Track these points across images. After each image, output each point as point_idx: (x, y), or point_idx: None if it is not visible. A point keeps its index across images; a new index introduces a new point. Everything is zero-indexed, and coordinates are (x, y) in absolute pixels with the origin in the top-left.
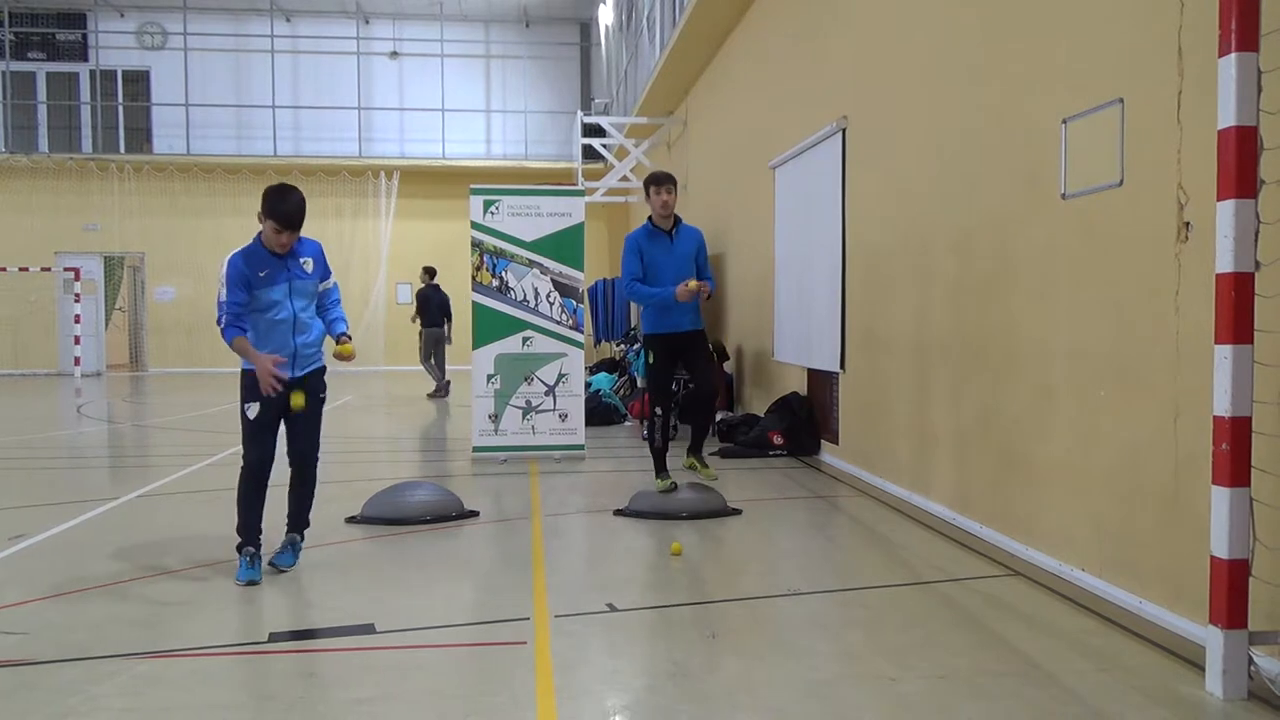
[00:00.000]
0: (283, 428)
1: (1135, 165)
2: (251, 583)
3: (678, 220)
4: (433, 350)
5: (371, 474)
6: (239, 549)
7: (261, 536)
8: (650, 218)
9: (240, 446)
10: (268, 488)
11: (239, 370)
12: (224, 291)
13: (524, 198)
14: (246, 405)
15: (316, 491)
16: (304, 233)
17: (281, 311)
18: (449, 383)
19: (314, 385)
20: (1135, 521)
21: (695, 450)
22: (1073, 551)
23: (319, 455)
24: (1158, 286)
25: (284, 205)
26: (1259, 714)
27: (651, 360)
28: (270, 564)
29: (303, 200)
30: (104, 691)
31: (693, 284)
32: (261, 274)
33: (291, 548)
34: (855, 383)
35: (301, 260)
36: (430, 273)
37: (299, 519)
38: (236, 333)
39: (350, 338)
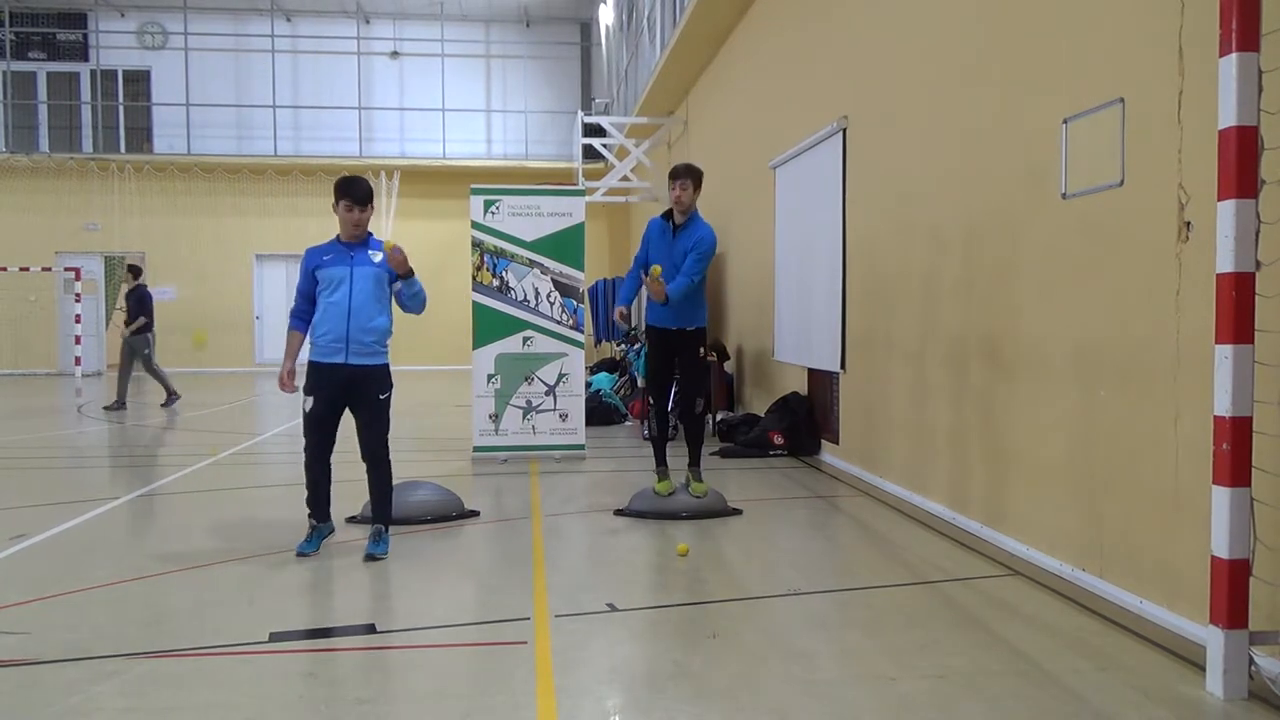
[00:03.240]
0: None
1: (1136, 165)
2: (302, 555)
3: (692, 217)
4: (145, 355)
5: None
6: (308, 518)
7: (330, 509)
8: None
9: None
10: (330, 470)
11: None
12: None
13: (524, 197)
14: (304, 399)
15: None
16: (303, 233)
17: (337, 293)
18: (123, 397)
19: (373, 384)
20: (1135, 521)
21: (691, 464)
22: (1073, 551)
23: (388, 453)
24: (1158, 286)
25: (350, 183)
26: (1259, 714)
27: (649, 350)
28: (365, 557)
29: (361, 180)
30: (104, 691)
31: (654, 269)
32: (326, 257)
33: (377, 537)
34: (855, 383)
35: (370, 251)
36: (136, 271)
37: (378, 511)
38: (294, 324)
39: (411, 273)
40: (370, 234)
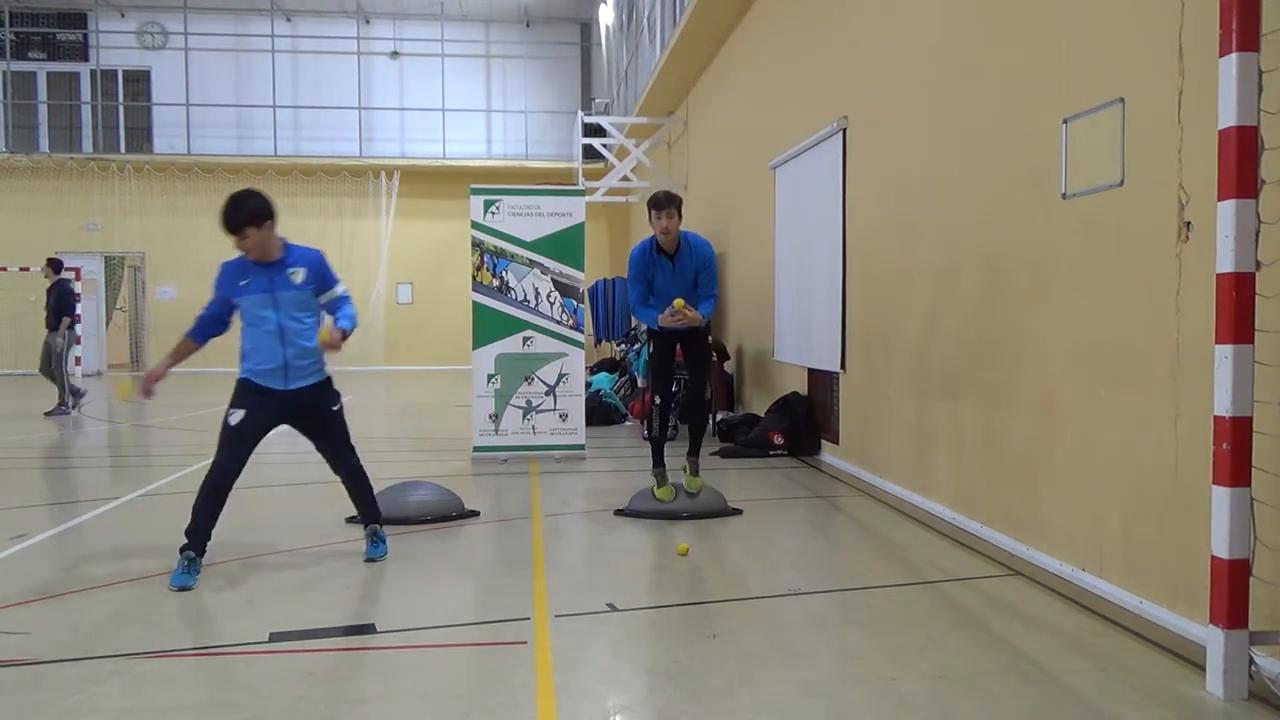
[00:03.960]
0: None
1: (1136, 165)
2: (184, 588)
3: (681, 241)
4: (57, 354)
5: (372, 474)
6: (181, 550)
7: (209, 543)
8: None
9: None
10: (227, 498)
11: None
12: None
13: (524, 197)
14: (231, 411)
15: (317, 492)
16: (302, 233)
17: (266, 323)
18: (79, 394)
19: (320, 399)
20: (1135, 521)
21: (691, 453)
22: (1073, 551)
23: (358, 457)
24: (1158, 286)
25: (221, 212)
26: (1259, 714)
27: (652, 349)
28: (366, 560)
29: (240, 200)
30: (104, 691)
31: (678, 303)
32: (242, 283)
33: (374, 538)
34: (855, 383)
35: (289, 271)
36: (56, 266)
37: (367, 513)
38: (192, 333)
39: (345, 334)
40: (288, 247)
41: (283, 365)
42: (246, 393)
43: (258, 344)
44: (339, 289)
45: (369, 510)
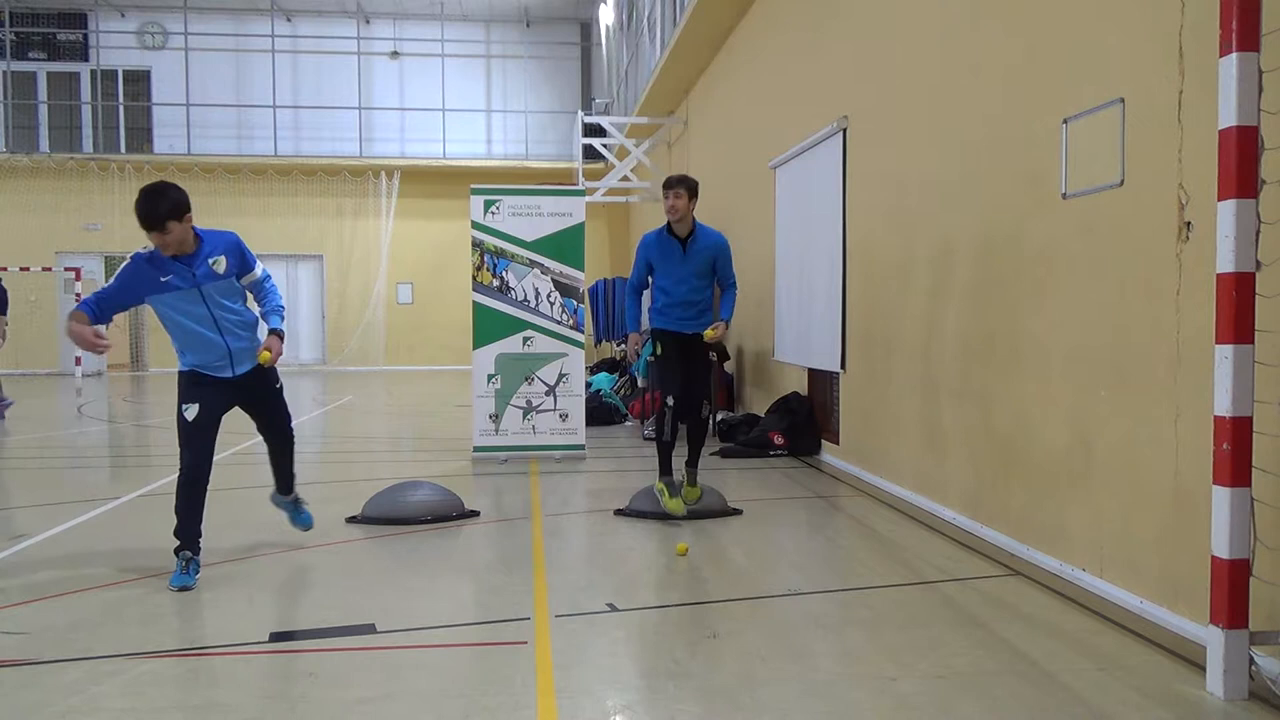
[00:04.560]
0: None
1: (1136, 165)
2: (184, 588)
3: (696, 228)
4: None
5: (372, 474)
6: (176, 552)
7: (201, 541)
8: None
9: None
10: (206, 492)
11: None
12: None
13: (524, 197)
14: (184, 407)
15: (317, 492)
16: (303, 233)
17: (199, 318)
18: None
19: (264, 380)
20: (1135, 521)
21: (690, 463)
22: (1073, 551)
23: (293, 430)
24: (1158, 286)
25: (139, 205)
26: (1259, 714)
27: (659, 351)
28: (300, 528)
29: (160, 193)
30: (104, 691)
31: (708, 333)
32: (164, 278)
33: (295, 508)
34: (855, 383)
35: (210, 261)
36: None
37: (287, 483)
38: (87, 310)
39: (282, 335)
40: (200, 237)
41: (227, 353)
42: (194, 385)
43: (193, 339)
44: (258, 270)
45: (289, 480)
